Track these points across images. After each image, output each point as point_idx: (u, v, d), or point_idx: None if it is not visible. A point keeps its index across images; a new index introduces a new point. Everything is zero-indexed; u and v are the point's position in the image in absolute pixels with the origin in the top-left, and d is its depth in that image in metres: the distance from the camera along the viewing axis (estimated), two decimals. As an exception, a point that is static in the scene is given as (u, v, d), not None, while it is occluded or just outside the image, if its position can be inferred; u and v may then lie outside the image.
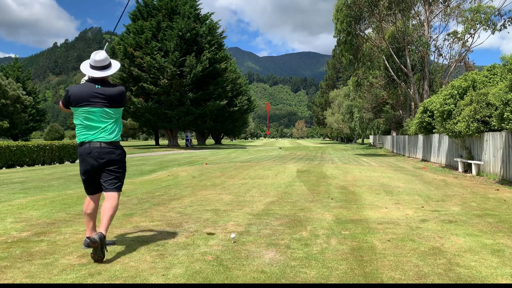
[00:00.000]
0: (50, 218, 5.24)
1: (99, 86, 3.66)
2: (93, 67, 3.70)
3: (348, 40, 26.32)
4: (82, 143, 3.67)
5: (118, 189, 3.77)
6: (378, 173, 11.99)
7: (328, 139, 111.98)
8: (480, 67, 20.52)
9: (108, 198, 3.68)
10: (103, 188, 3.75)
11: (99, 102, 3.63)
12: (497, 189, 8.61)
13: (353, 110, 51.03)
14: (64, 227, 4.74)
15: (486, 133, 11.98)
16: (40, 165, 17.78)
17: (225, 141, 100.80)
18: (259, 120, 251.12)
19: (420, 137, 20.83)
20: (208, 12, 44.32)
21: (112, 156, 3.68)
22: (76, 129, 3.71)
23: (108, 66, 3.77)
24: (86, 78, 3.82)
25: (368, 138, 61.09)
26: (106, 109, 3.67)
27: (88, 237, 3.70)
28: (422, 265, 3.35)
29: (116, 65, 3.86)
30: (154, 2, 41.55)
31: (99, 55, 3.72)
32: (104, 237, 3.41)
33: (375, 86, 33.44)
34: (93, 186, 3.81)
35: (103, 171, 3.69)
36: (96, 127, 3.66)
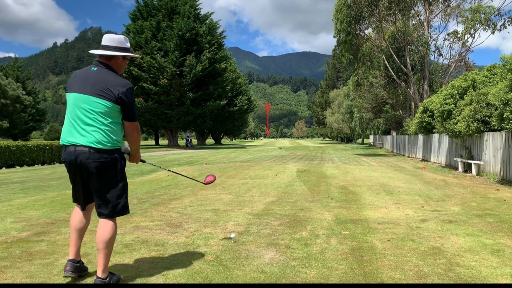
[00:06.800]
0: (50, 218, 5.24)
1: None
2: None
3: (348, 40, 26.32)
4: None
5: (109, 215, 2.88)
6: (378, 173, 11.99)
7: (328, 139, 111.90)
8: (480, 67, 20.50)
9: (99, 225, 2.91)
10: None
11: None
12: (497, 189, 8.61)
13: (353, 110, 51.07)
14: (64, 227, 4.74)
15: (486, 133, 11.98)
16: (40, 165, 17.78)
17: (225, 141, 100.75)
18: (259, 120, 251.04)
19: (420, 137, 20.82)
20: (208, 12, 44.33)
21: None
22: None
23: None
24: None
25: (368, 138, 61.07)
26: None
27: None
28: (422, 265, 3.34)
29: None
30: (154, 2, 41.54)
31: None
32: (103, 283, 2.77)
33: (375, 86, 33.42)
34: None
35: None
36: None
